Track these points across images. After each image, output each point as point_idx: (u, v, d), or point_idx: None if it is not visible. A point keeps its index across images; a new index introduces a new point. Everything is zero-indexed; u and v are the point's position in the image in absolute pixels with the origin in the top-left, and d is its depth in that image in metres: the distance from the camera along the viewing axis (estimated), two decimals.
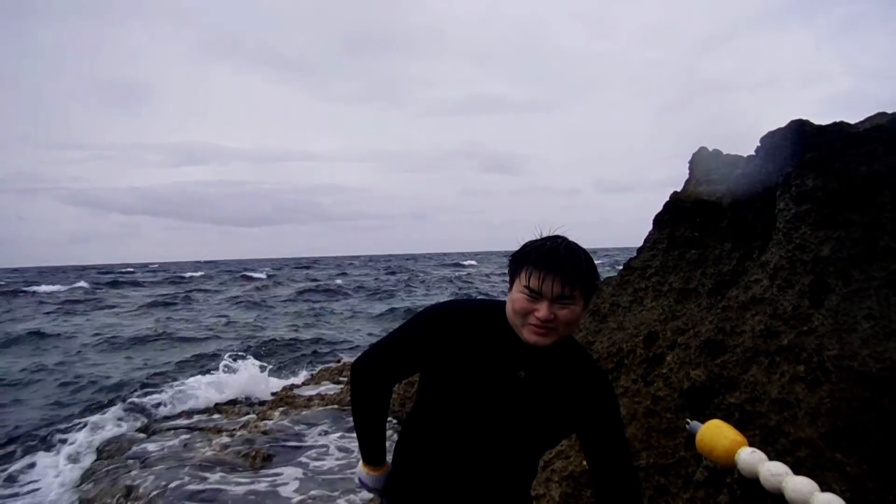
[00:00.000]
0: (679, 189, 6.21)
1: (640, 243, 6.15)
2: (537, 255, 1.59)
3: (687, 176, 6.40)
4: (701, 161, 6.15)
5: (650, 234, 5.99)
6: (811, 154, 3.60)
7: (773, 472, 2.43)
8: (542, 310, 1.57)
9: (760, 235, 4.75)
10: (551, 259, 1.57)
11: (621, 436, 1.75)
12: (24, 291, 34.60)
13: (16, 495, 5.64)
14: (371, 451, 1.90)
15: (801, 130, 3.72)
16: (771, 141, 4.19)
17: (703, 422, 2.77)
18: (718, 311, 4.17)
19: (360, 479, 1.97)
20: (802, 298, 3.55)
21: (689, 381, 3.65)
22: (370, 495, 3.49)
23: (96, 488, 5.51)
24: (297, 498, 5.05)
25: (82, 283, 41.14)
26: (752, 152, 5.29)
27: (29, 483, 6.00)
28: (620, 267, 6.29)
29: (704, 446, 2.66)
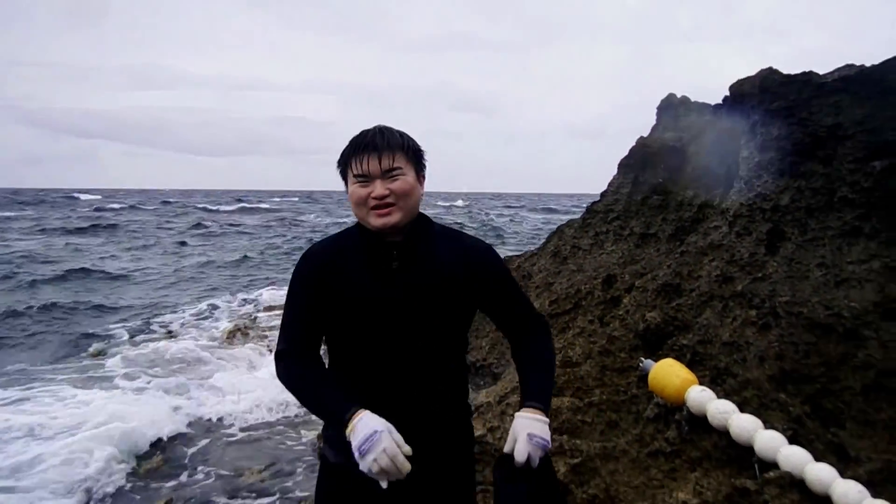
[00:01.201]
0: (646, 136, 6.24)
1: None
2: (352, 144, 1.67)
3: (654, 123, 6.41)
4: (669, 108, 6.15)
5: (614, 178, 6.01)
6: (778, 103, 3.62)
7: (720, 409, 2.51)
8: (376, 188, 1.63)
9: (723, 183, 4.81)
10: (364, 141, 1.65)
11: (514, 289, 1.81)
12: None
13: None
14: (343, 399, 1.62)
15: (769, 79, 3.73)
16: (739, 89, 4.19)
17: (656, 361, 2.84)
18: (677, 256, 4.23)
19: (364, 436, 1.52)
20: (759, 246, 3.62)
21: (645, 323, 3.73)
22: None
23: None
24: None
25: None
26: (720, 101, 5.31)
27: None
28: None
29: (656, 384, 2.74)
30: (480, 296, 1.74)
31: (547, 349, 1.81)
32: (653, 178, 5.63)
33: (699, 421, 2.66)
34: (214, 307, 11.17)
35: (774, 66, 3.80)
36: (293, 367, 1.70)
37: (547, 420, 1.63)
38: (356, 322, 1.68)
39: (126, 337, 8.98)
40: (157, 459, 5.02)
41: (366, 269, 1.68)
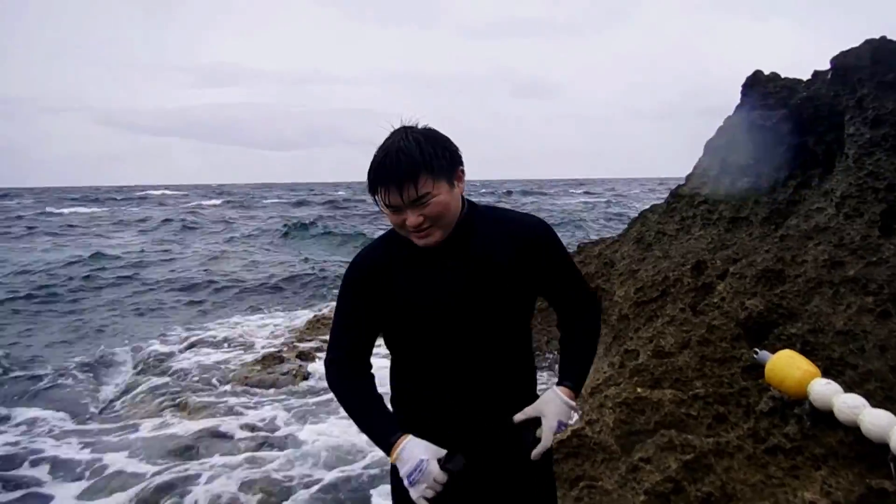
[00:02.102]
0: (722, 118, 5.97)
1: (677, 173, 5.96)
2: (372, 175, 1.53)
3: (738, 101, 6.12)
4: (756, 84, 5.86)
5: (700, 160, 5.78)
6: (893, 75, 3.37)
7: (849, 404, 2.36)
8: (409, 218, 1.52)
9: (822, 163, 4.54)
10: (381, 173, 1.51)
11: (567, 264, 1.73)
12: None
13: None
14: (385, 424, 1.67)
15: (883, 49, 3.48)
16: (844, 61, 3.94)
17: (772, 352, 2.69)
18: (776, 241, 4.03)
19: (408, 470, 1.58)
20: (872, 228, 3.40)
21: (746, 311, 3.56)
22: None
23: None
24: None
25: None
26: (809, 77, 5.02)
27: None
28: (661, 196, 6.13)
29: (774, 376, 2.59)
30: (534, 274, 1.66)
31: (593, 329, 1.81)
32: (741, 159, 5.38)
33: (822, 416, 2.50)
34: None
35: (887, 36, 3.55)
36: (343, 381, 1.72)
37: (575, 404, 1.70)
38: (413, 326, 1.65)
39: None
40: None
41: (416, 270, 1.63)
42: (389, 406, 1.77)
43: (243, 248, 19.15)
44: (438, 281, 1.61)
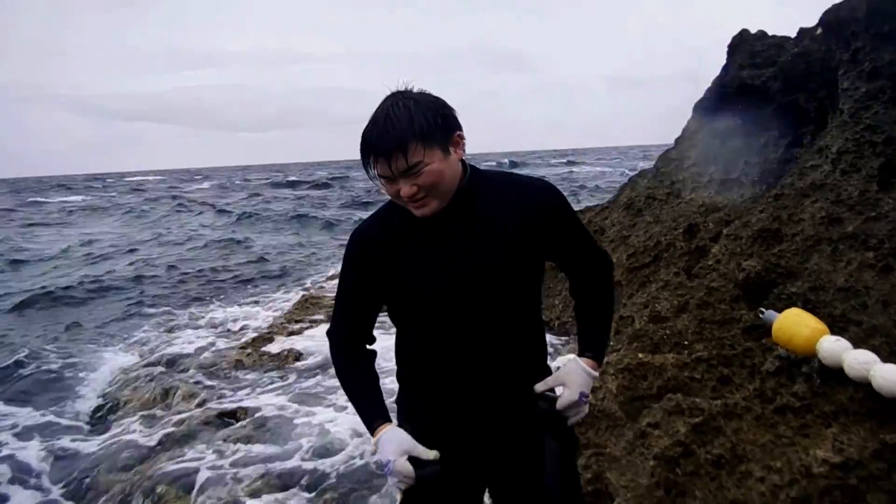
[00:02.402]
0: (704, 83, 5.89)
1: (658, 140, 5.90)
2: (363, 145, 1.47)
3: (724, 63, 6.05)
4: (743, 44, 5.78)
5: (689, 122, 5.72)
6: (889, 25, 3.31)
7: (859, 360, 2.32)
8: (403, 188, 1.45)
9: (814, 120, 4.49)
10: (370, 143, 1.44)
11: (578, 226, 1.66)
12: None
13: None
14: (370, 410, 1.67)
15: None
16: (836, 15, 3.87)
17: (777, 311, 2.64)
18: (770, 200, 3.98)
19: (379, 461, 1.62)
20: (870, 182, 3.35)
21: (743, 272, 3.51)
22: None
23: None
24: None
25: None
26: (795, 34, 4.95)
27: None
28: (645, 163, 6.07)
29: (782, 335, 2.55)
30: (544, 240, 1.57)
31: (608, 294, 1.74)
32: (731, 119, 5.32)
33: (832, 373, 2.46)
34: None
35: None
36: (340, 357, 1.72)
37: (597, 374, 1.66)
38: (415, 299, 1.58)
39: None
40: None
41: (417, 242, 1.56)
42: (397, 381, 1.73)
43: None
44: (441, 251, 1.54)
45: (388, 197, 1.54)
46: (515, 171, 1.61)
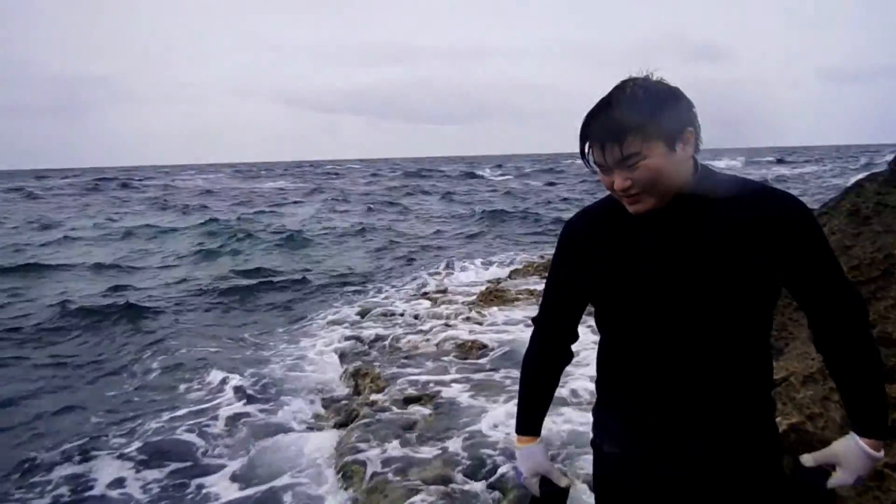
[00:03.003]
0: None
1: (883, 139, 5.14)
2: (581, 129, 1.39)
3: None
4: None
5: None
6: None
7: None
8: (616, 180, 1.36)
9: None
10: (589, 127, 1.36)
11: (825, 254, 1.36)
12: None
13: None
14: (523, 416, 1.67)
15: None
16: None
17: None
18: None
19: (516, 468, 1.70)
20: None
21: None
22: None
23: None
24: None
25: None
26: None
27: None
28: (861, 166, 5.34)
29: None
30: (780, 268, 1.35)
31: (867, 345, 1.41)
32: None
33: None
34: None
35: None
36: (534, 346, 1.67)
37: (881, 455, 1.42)
38: (615, 304, 1.49)
39: None
40: None
41: (629, 241, 1.44)
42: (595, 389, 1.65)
43: None
44: (652, 255, 1.41)
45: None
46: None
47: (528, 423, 1.65)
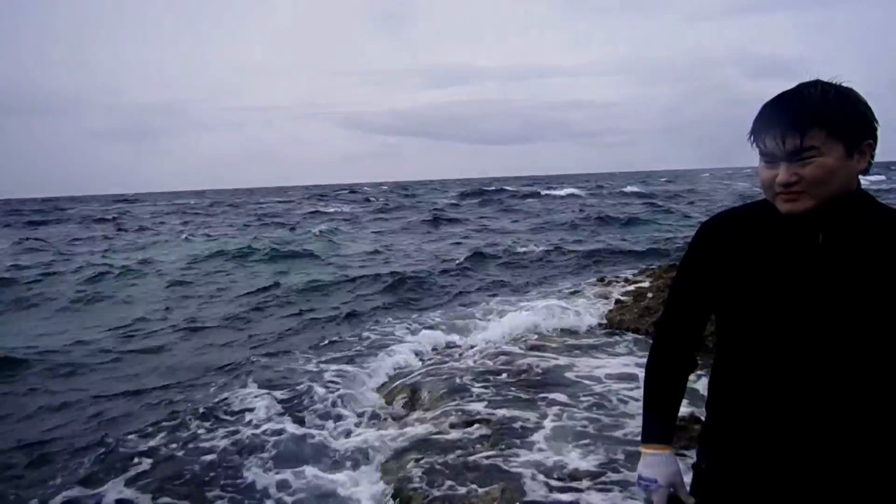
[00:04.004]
0: None
1: None
2: (759, 114, 1.32)
3: None
4: None
5: None
6: None
7: None
8: (781, 173, 1.28)
9: None
10: (773, 111, 1.30)
11: None
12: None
13: None
14: (656, 423, 1.59)
15: None
16: None
17: None
18: None
19: (641, 474, 1.56)
20: None
21: None
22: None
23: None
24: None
25: None
26: None
27: None
28: None
29: None
30: None
31: None
32: None
33: None
34: None
35: None
36: (657, 353, 1.61)
37: None
38: (741, 318, 1.38)
39: None
40: None
41: (771, 250, 1.35)
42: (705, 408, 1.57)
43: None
44: (792, 274, 1.32)
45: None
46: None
47: (658, 430, 1.58)
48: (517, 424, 4.71)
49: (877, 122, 1.30)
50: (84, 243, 22.72)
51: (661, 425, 1.58)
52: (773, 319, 1.33)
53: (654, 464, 1.52)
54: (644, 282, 9.71)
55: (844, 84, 1.30)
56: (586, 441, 4.33)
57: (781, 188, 1.29)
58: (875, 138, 1.30)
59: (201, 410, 5.35)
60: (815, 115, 1.25)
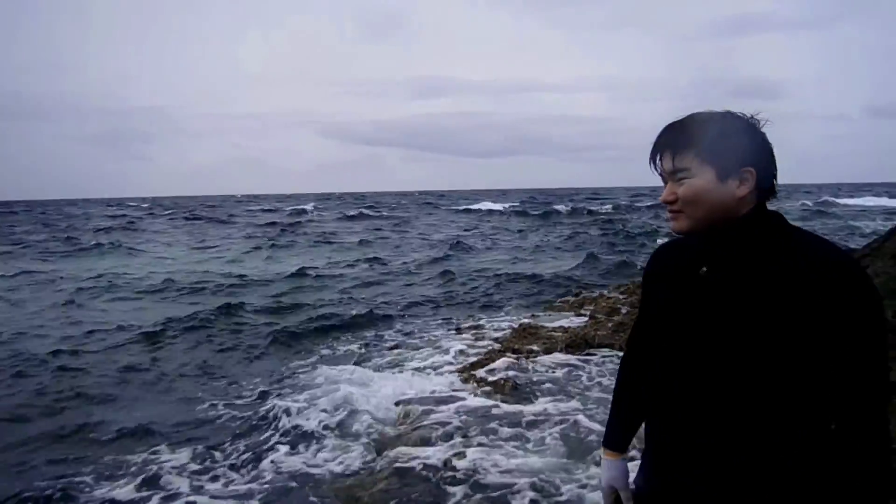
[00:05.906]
0: None
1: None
2: (657, 136, 1.42)
3: None
4: None
5: None
6: None
7: None
8: (665, 190, 1.39)
9: None
10: (659, 135, 1.40)
11: (860, 365, 1.18)
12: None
13: None
14: (610, 430, 1.75)
15: None
16: None
17: None
18: None
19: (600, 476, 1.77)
20: None
21: None
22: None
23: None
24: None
25: None
26: None
27: None
28: None
29: None
30: (808, 337, 1.20)
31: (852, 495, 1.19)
32: None
33: None
34: None
35: None
36: (624, 366, 1.73)
37: None
38: (658, 331, 1.48)
39: None
40: None
41: (675, 276, 1.46)
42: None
43: None
44: (685, 289, 1.40)
45: None
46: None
47: (616, 435, 1.71)
48: None
49: (765, 150, 1.33)
50: None
51: (614, 433, 1.72)
52: (667, 347, 1.43)
53: (607, 468, 1.69)
54: (617, 295, 9.83)
55: (751, 117, 1.34)
56: None
57: (664, 202, 1.39)
58: (757, 165, 1.31)
59: None
60: (687, 139, 1.33)
